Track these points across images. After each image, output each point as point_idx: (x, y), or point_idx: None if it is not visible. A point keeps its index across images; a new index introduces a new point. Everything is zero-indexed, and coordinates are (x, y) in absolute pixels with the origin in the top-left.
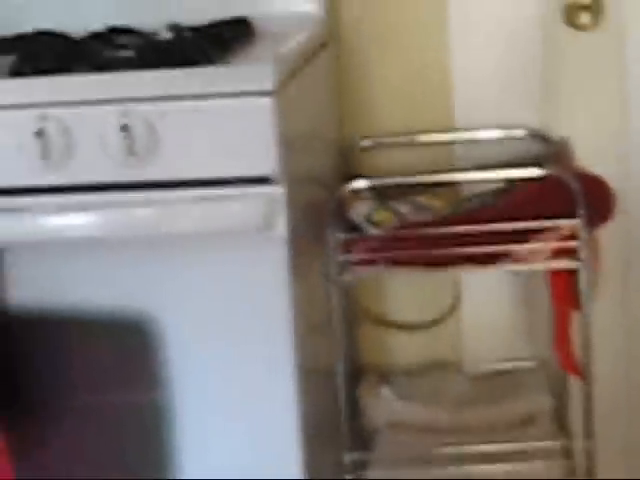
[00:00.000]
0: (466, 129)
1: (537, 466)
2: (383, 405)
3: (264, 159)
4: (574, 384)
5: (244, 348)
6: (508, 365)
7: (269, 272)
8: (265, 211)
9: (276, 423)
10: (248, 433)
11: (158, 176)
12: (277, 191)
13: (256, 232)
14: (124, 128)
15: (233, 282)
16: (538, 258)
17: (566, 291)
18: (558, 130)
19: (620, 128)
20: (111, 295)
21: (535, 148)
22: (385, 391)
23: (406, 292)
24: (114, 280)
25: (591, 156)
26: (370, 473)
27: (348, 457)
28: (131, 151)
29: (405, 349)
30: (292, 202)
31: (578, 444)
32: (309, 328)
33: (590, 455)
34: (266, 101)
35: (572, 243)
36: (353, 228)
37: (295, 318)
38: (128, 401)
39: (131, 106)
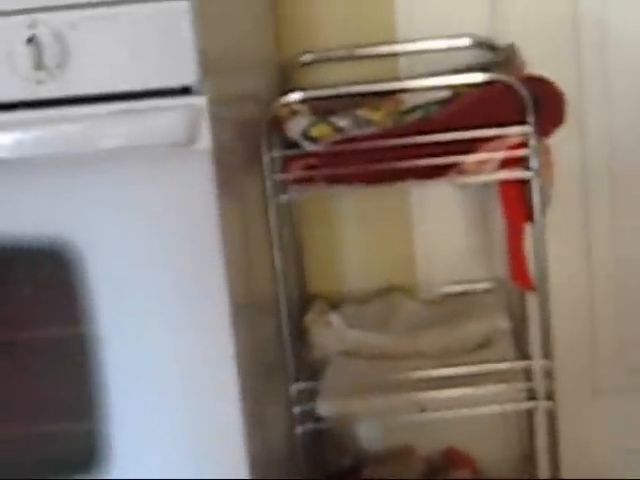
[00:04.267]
0: (409, 40)
1: (495, 389)
2: (332, 334)
3: (183, 68)
4: (533, 304)
5: (173, 273)
6: (464, 287)
7: (195, 189)
8: (188, 123)
9: (210, 354)
10: (182, 367)
11: (72, 91)
12: (199, 102)
13: (180, 145)
14: (32, 40)
15: (159, 203)
16: (487, 169)
17: (517, 203)
18: (505, 38)
19: (571, 32)
20: (27, 222)
21: (482, 57)
22: (335, 319)
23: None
24: (29, 206)
25: (541, 63)
26: (318, 403)
27: (294, 388)
28: (40, 65)
29: (356, 275)
30: (218, 115)
31: (538, 366)
32: (248, 252)
33: (549, 376)
34: (183, 5)
35: (522, 151)
36: (291, 146)
37: (225, 236)
38: (51, 336)
39: (38, 17)
